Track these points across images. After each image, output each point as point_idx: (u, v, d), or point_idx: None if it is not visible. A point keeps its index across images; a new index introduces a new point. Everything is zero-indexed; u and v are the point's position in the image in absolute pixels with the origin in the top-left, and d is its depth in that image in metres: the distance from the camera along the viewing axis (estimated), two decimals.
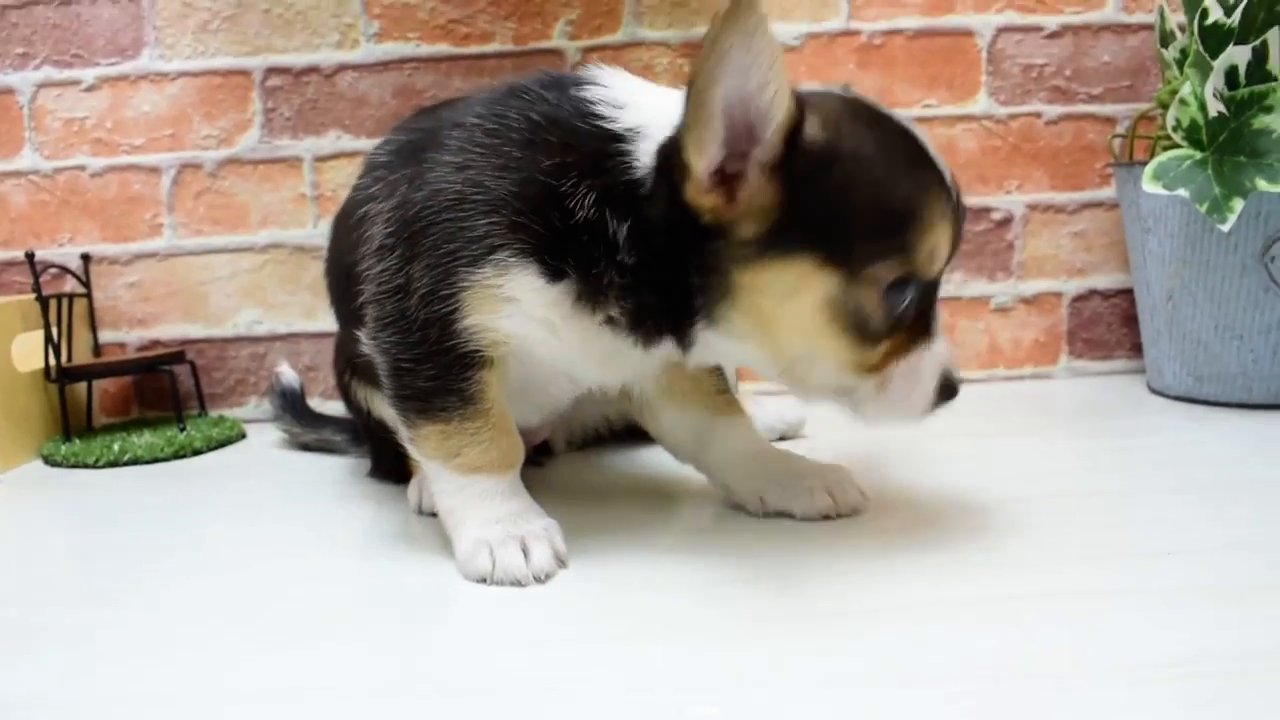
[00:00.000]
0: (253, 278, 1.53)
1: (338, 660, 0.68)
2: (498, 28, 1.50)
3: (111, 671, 0.68)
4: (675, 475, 1.11)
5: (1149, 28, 1.50)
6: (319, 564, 0.91)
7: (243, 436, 1.45)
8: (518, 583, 0.80)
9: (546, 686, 0.63)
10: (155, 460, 1.32)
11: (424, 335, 0.84)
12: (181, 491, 1.19)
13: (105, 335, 1.54)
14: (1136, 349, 1.53)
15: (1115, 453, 1.16)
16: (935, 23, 1.51)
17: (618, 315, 0.82)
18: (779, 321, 0.79)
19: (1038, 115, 1.53)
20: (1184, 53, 1.31)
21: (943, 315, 0.86)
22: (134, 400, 1.57)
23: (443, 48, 1.50)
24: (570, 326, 0.83)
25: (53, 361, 1.39)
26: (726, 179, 0.76)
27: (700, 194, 0.76)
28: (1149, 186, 1.24)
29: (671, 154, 0.77)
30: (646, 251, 0.79)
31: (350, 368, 1.10)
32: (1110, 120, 1.54)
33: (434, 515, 0.95)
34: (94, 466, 1.30)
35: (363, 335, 0.90)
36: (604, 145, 0.80)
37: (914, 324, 0.81)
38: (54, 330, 1.39)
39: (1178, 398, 1.38)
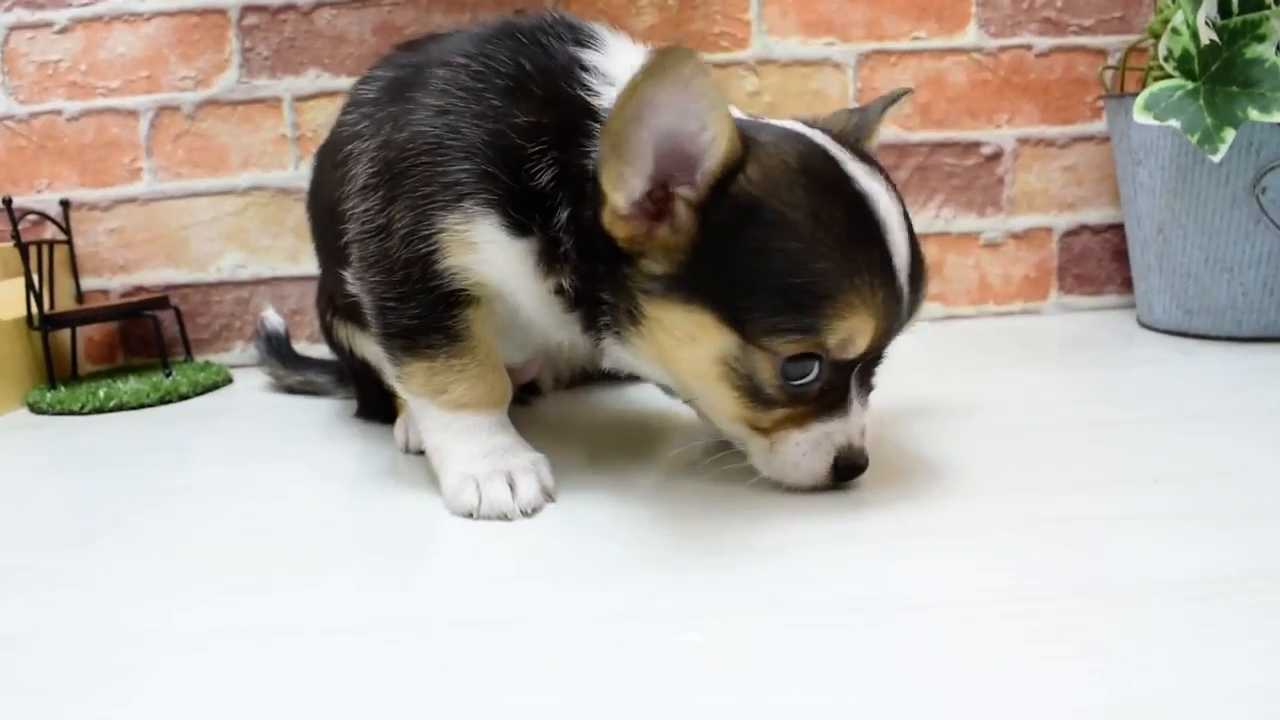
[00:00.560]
0: (235, 221, 1.51)
1: (322, 598, 0.68)
2: None
3: (95, 611, 0.68)
4: (662, 413, 1.10)
5: None
6: (305, 504, 0.90)
7: (229, 381, 1.44)
8: (504, 517, 0.80)
9: (534, 619, 0.63)
10: (141, 406, 1.31)
11: (407, 274, 0.83)
12: (167, 436, 1.18)
13: (87, 282, 1.53)
14: (1127, 284, 1.52)
15: (1105, 385, 1.16)
16: None
17: (566, 287, 0.80)
18: (678, 361, 0.77)
19: (1028, 48, 1.51)
20: None
21: (868, 396, 0.81)
22: (119, 347, 1.56)
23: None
24: (526, 287, 0.82)
25: (35, 309, 1.37)
26: (657, 205, 0.74)
27: (614, 221, 0.74)
28: (1140, 117, 1.22)
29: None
30: (581, 241, 0.78)
31: (332, 308, 1.09)
32: (1101, 52, 1.52)
33: (421, 454, 0.95)
34: (80, 413, 1.30)
35: (348, 274, 0.89)
36: (579, 119, 0.78)
37: (824, 398, 0.76)
38: (35, 277, 1.37)
39: (1168, 331, 1.38)
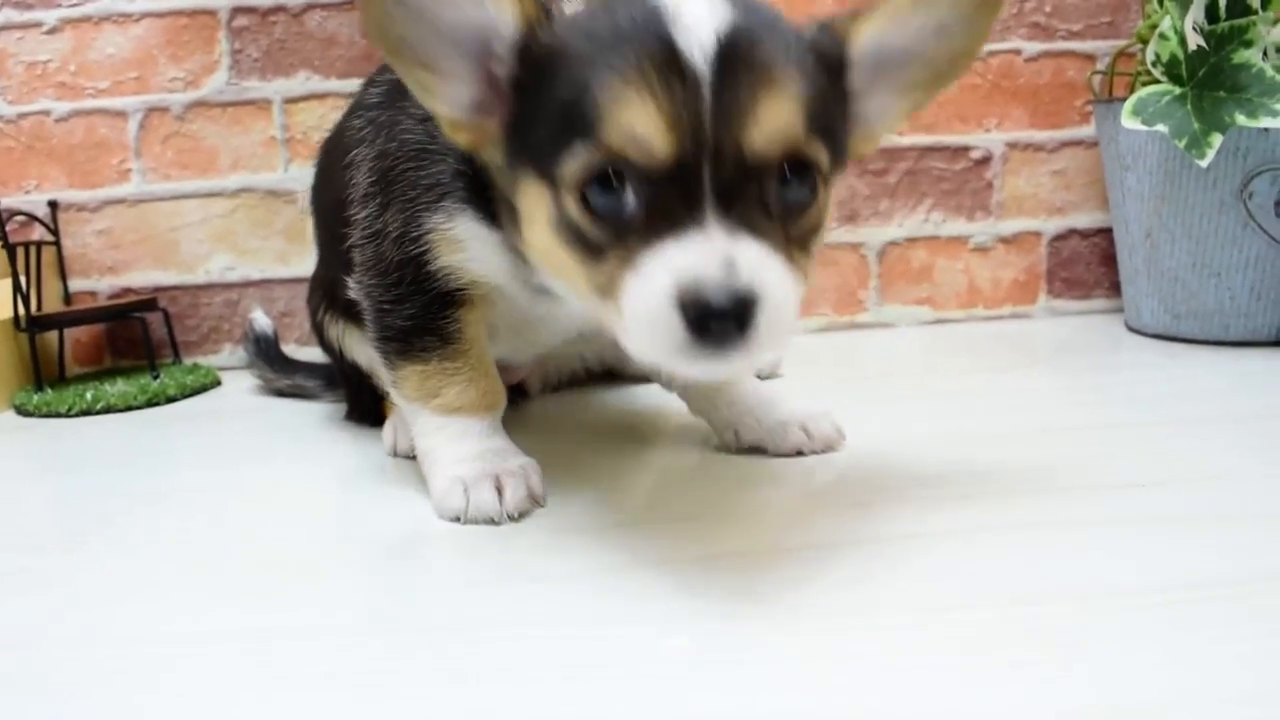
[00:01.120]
0: (224, 223, 1.51)
1: (310, 602, 0.68)
2: None
3: (82, 616, 0.68)
4: (651, 417, 1.10)
5: None
6: (293, 507, 0.90)
7: (217, 383, 1.43)
8: (491, 521, 0.79)
9: (520, 623, 0.62)
10: (129, 408, 1.31)
11: (400, 276, 0.84)
12: (155, 439, 1.18)
13: (75, 283, 1.52)
14: (1115, 288, 1.53)
15: (1092, 390, 1.16)
16: None
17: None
18: (540, 254, 0.72)
19: (1017, 52, 1.52)
20: None
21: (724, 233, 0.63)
22: (106, 349, 1.55)
23: None
24: (512, 276, 0.82)
25: (22, 310, 1.37)
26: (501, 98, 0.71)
27: (453, 131, 0.72)
28: (1128, 122, 1.23)
29: None
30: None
31: (325, 308, 1.09)
32: (1090, 57, 1.52)
33: (409, 458, 0.96)
34: (67, 415, 1.29)
35: (350, 279, 0.90)
36: None
37: (655, 224, 0.63)
38: (22, 279, 1.37)
39: (1155, 335, 1.38)
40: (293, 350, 1.46)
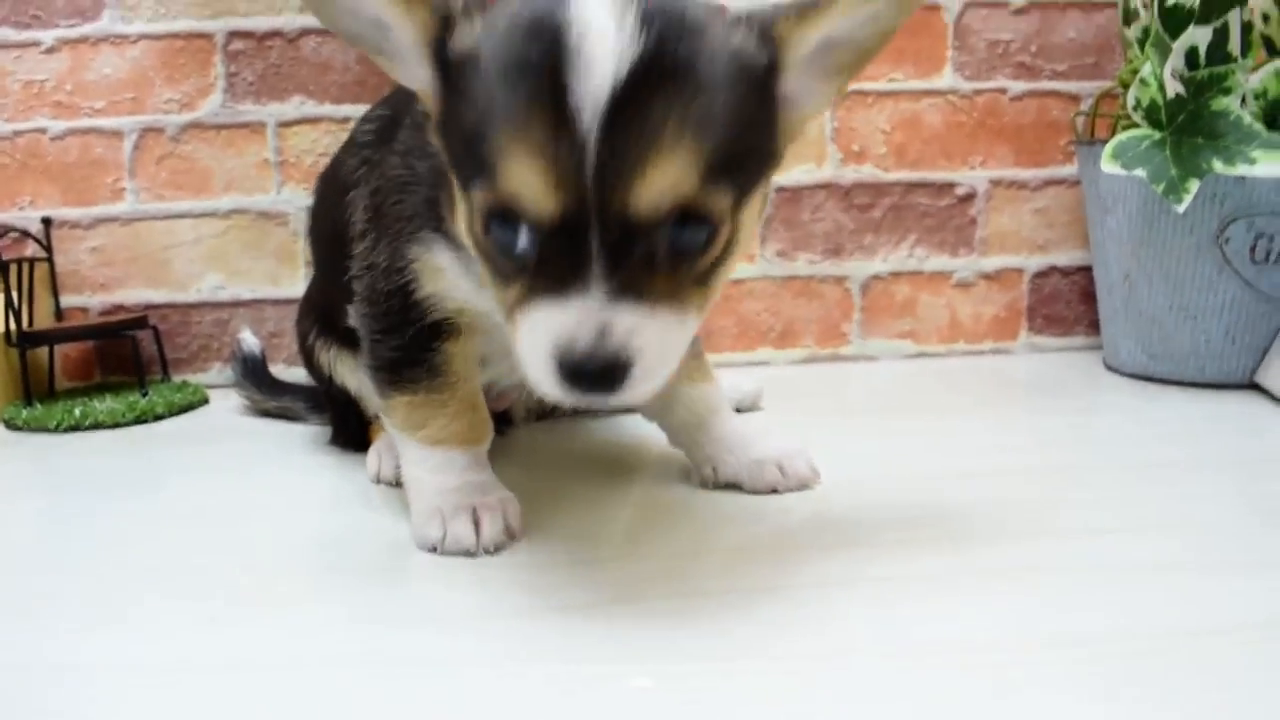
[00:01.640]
0: (216, 243, 1.53)
1: (289, 631, 0.69)
2: None
3: (64, 641, 0.69)
4: (633, 449, 1.12)
5: (1114, 5, 1.51)
6: (273, 531, 0.91)
7: (205, 402, 1.45)
8: (467, 553, 0.81)
9: (489, 658, 0.64)
10: (116, 425, 1.32)
11: (389, 307, 0.87)
12: (142, 457, 1.19)
13: (67, 299, 1.53)
14: (1095, 326, 1.55)
15: (1066, 430, 1.18)
16: None
17: None
18: (468, 242, 0.74)
19: (1003, 91, 1.54)
20: (1146, 32, 1.32)
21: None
22: (96, 365, 1.56)
23: None
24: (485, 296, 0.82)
25: (13, 326, 1.38)
26: None
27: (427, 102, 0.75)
28: (1107, 166, 1.25)
29: None
30: None
31: (317, 334, 1.11)
32: (1075, 98, 1.55)
33: (393, 485, 0.98)
34: (55, 431, 1.30)
35: (350, 309, 0.93)
36: None
37: (546, 274, 0.65)
38: (14, 295, 1.38)
39: (1132, 375, 1.40)
40: (280, 370, 1.47)
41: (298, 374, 1.31)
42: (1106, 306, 1.44)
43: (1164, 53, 1.22)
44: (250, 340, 1.43)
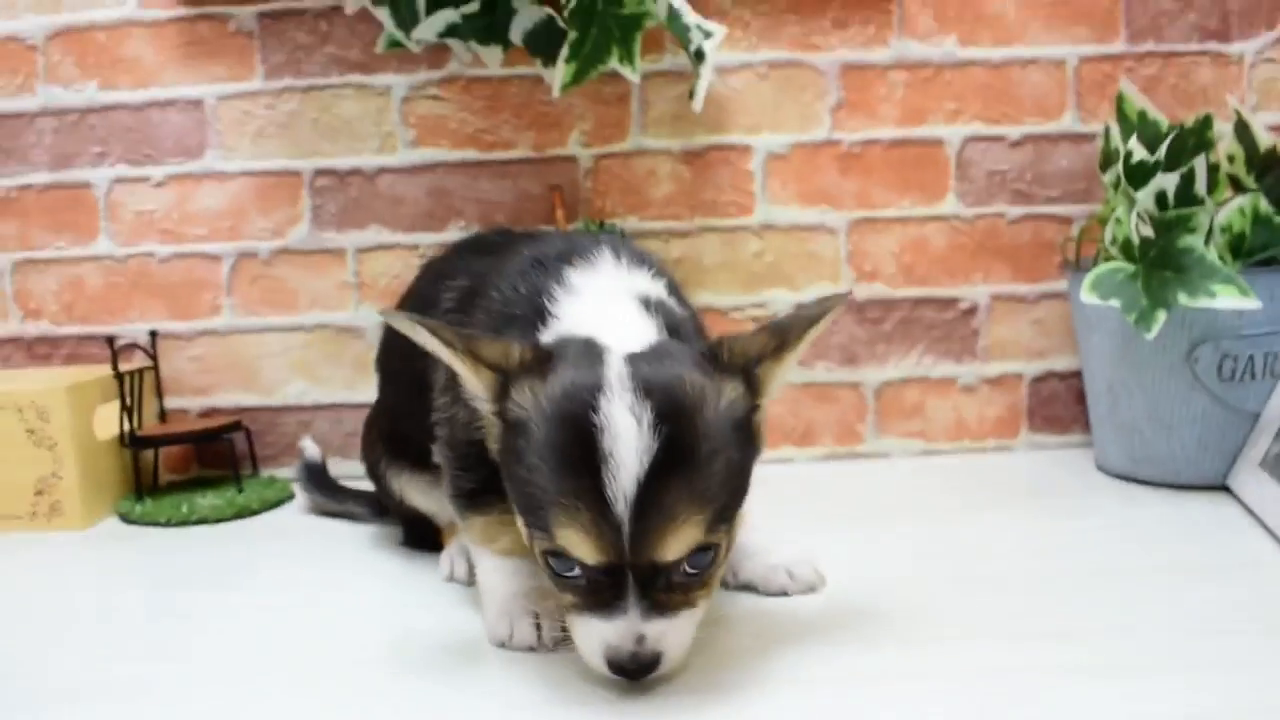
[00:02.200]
0: (301, 354, 1.73)
1: (376, 710, 0.87)
2: (519, 136, 1.69)
3: None
4: None
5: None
6: (363, 623, 1.09)
7: (291, 496, 1.63)
8: (531, 649, 0.99)
9: None
10: (218, 520, 1.51)
11: (467, 452, 1.03)
12: (239, 550, 1.38)
13: (170, 401, 1.74)
14: (1088, 425, 1.70)
15: (1055, 534, 1.31)
16: (909, 133, 1.70)
17: None
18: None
19: (1001, 215, 1.72)
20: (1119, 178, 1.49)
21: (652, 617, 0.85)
22: (194, 460, 1.76)
23: (471, 153, 1.70)
24: None
25: (127, 428, 1.58)
26: None
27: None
28: (1086, 297, 1.41)
29: None
30: None
31: (386, 461, 1.28)
32: (1067, 220, 1.72)
33: (463, 583, 1.17)
34: (164, 525, 1.50)
35: (434, 447, 1.11)
36: (531, 330, 0.98)
37: (595, 597, 0.86)
38: (128, 400, 1.59)
39: (1118, 476, 1.55)
40: (357, 465, 1.66)
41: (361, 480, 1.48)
42: (1094, 413, 1.60)
43: (1130, 202, 1.39)
44: (312, 448, 1.59)
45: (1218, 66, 1.70)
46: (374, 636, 1.06)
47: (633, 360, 0.86)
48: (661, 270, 1.08)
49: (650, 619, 0.85)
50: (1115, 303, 1.40)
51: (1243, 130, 1.48)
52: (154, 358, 1.71)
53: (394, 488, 1.28)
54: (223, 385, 1.74)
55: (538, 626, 1.00)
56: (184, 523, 1.50)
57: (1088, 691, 0.86)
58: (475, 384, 0.91)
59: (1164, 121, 1.49)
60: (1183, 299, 1.35)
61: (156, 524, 1.50)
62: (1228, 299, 1.33)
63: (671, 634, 0.86)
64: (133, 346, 1.69)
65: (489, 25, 1.57)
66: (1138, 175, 1.40)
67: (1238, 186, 1.51)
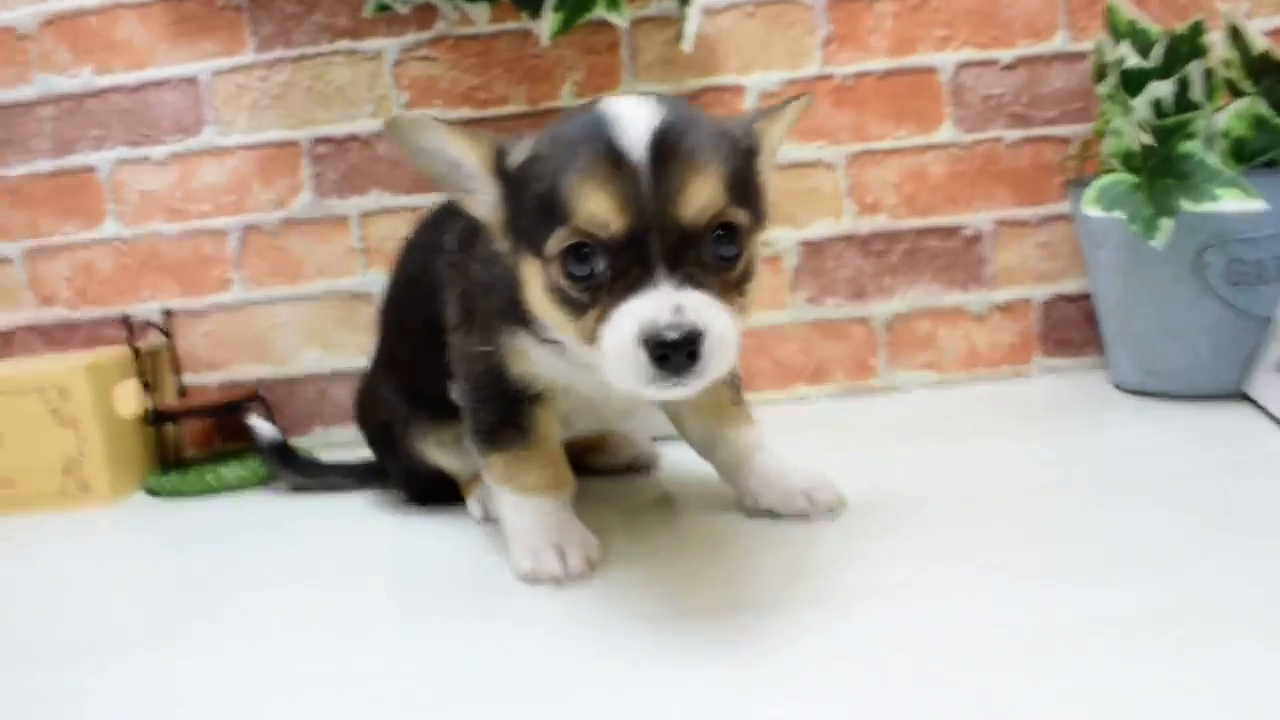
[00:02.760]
0: (313, 322, 1.75)
1: (417, 640, 0.89)
2: (512, 91, 1.70)
3: (202, 660, 0.89)
4: (688, 490, 1.30)
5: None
6: (385, 574, 1.11)
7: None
8: (556, 580, 1.00)
9: (575, 656, 0.83)
10: (243, 488, 1.53)
11: (485, 382, 1.07)
12: (267, 516, 1.40)
13: (188, 378, 1.76)
14: (1102, 346, 1.70)
15: (1070, 448, 1.31)
16: (901, 63, 1.69)
17: None
18: (540, 311, 0.94)
19: (999, 140, 1.71)
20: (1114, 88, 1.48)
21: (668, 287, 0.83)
22: (216, 434, 1.79)
23: (465, 112, 1.70)
24: (566, 370, 1.03)
25: (148, 406, 1.60)
26: None
27: (493, 229, 0.98)
28: (1089, 210, 1.41)
29: None
30: None
31: (404, 420, 1.28)
32: (1065, 140, 1.71)
33: (494, 522, 1.17)
34: (191, 495, 1.52)
35: (451, 385, 1.13)
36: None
37: (620, 286, 0.84)
38: (147, 378, 1.61)
39: (1133, 391, 1.56)
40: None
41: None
42: (1106, 331, 1.60)
43: (1127, 110, 1.39)
44: (264, 427, 1.52)
45: None
46: (402, 582, 1.09)
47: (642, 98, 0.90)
48: None
49: (684, 290, 0.83)
50: (1119, 214, 1.40)
51: (1236, 35, 1.47)
52: (169, 335, 1.73)
53: (413, 445, 1.28)
54: (238, 358, 1.76)
55: (562, 559, 1.02)
56: (210, 492, 1.52)
57: (1106, 590, 0.87)
58: (473, 157, 0.94)
59: (1155, 30, 1.48)
60: (1186, 204, 1.35)
61: (183, 495, 1.53)
62: (1232, 201, 1.33)
63: (709, 312, 0.83)
64: (148, 325, 1.71)
65: None
66: (1132, 82, 1.39)
67: (1235, 92, 1.50)
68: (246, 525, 1.36)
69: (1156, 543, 0.96)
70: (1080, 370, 1.75)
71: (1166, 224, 1.36)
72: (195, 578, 1.18)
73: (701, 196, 0.84)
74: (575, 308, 0.88)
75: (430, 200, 1.69)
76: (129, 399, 1.60)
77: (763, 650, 0.81)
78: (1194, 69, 1.42)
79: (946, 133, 1.70)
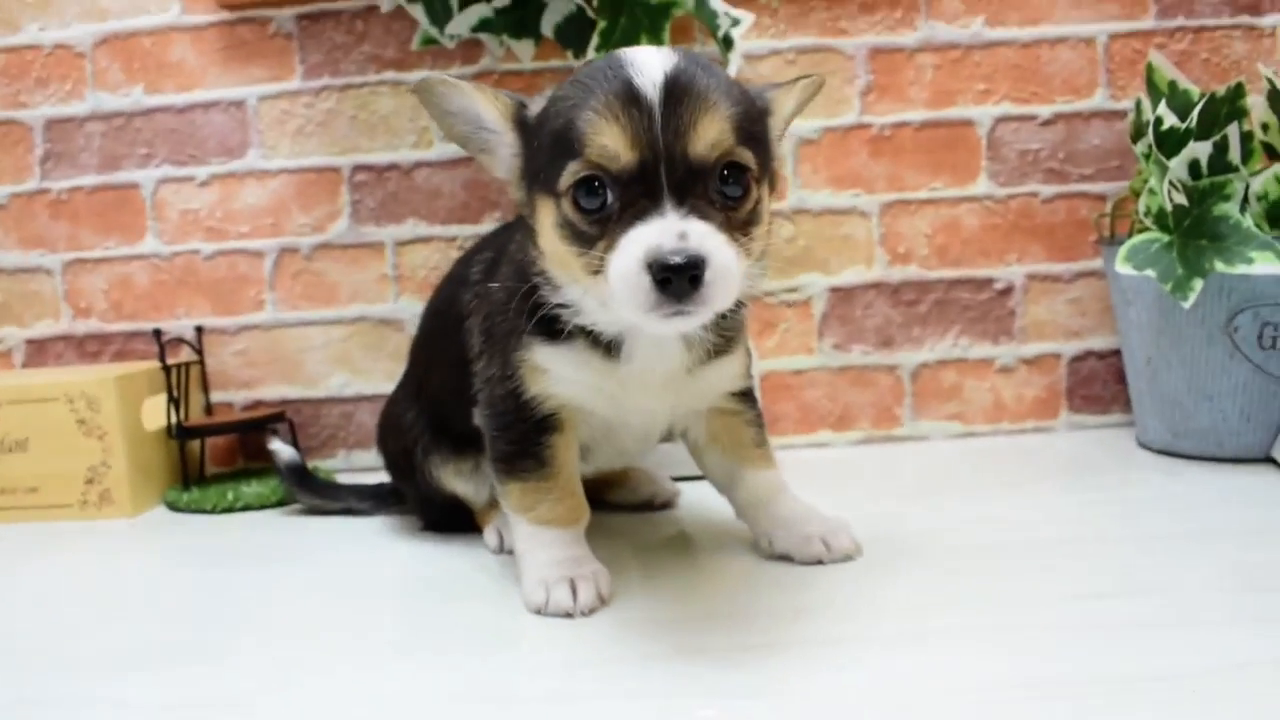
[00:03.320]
0: (342, 346, 1.77)
1: (426, 671, 0.89)
2: None
3: (206, 683, 0.89)
4: (703, 528, 1.30)
5: None
6: (404, 597, 1.11)
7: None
8: (567, 614, 1.00)
9: (582, 694, 0.82)
10: (263, 507, 1.54)
11: (504, 408, 1.07)
12: (285, 534, 1.40)
13: (215, 395, 1.78)
14: (1128, 404, 1.68)
15: (1092, 505, 1.31)
16: (939, 115, 1.70)
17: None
18: (548, 252, 0.97)
19: (1034, 194, 1.71)
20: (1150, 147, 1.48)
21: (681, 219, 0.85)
22: (239, 452, 1.80)
23: None
24: (592, 363, 1.03)
25: (174, 420, 1.62)
26: None
27: (511, 189, 1.02)
28: (1121, 268, 1.41)
29: None
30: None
31: (423, 450, 1.28)
32: (1101, 197, 1.71)
33: (507, 553, 1.17)
34: (210, 512, 1.53)
35: (475, 413, 1.13)
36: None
37: (628, 216, 0.87)
38: (174, 393, 1.63)
39: (1160, 451, 1.54)
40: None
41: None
42: (1134, 389, 1.59)
43: (1163, 170, 1.38)
44: (285, 450, 1.52)
45: (1249, 40, 1.69)
46: (414, 607, 1.09)
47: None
48: None
49: (690, 220, 0.85)
50: (1151, 273, 1.39)
51: (1276, 99, 1.47)
52: (200, 352, 1.75)
53: (432, 472, 1.29)
54: (267, 379, 1.78)
55: (573, 593, 1.01)
56: (229, 509, 1.53)
57: (1127, 649, 0.86)
58: (494, 112, 0.97)
59: (1195, 90, 1.48)
60: (1219, 266, 1.35)
61: (203, 511, 1.54)
62: (1266, 265, 1.32)
63: (712, 241, 0.85)
64: (179, 342, 1.73)
65: (521, 19, 1.60)
66: (1169, 142, 1.39)
67: (1272, 155, 1.50)
68: (263, 544, 1.37)
69: (1180, 603, 0.94)
70: (1107, 428, 1.73)
71: (1198, 284, 1.35)
72: (208, 593, 1.18)
73: (711, 133, 0.87)
74: (584, 241, 0.90)
75: (464, 230, 1.71)
76: (156, 414, 1.62)
77: (770, 694, 0.80)
78: (1232, 130, 1.42)
79: (982, 186, 1.70)
